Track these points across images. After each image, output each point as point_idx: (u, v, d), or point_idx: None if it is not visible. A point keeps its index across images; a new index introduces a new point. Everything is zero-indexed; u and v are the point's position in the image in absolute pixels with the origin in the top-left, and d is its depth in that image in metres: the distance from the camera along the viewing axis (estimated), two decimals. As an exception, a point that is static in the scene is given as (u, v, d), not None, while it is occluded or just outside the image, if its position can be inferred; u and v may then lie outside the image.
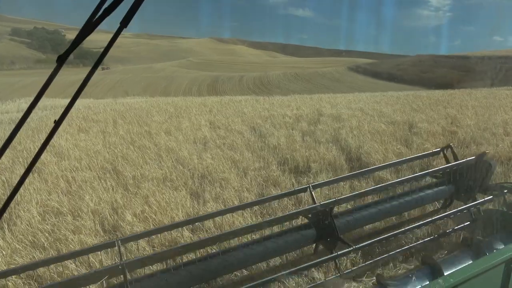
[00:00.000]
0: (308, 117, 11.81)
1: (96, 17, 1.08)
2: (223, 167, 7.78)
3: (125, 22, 1.09)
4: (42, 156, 7.97)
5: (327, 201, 3.94)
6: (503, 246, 3.84)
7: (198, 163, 8.01)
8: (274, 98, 17.44)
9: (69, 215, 5.84)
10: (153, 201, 6.23)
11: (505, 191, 4.55)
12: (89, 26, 1.10)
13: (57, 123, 1.14)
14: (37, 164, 7.31)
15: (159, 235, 4.43)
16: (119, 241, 3.33)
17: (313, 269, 3.95)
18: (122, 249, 3.30)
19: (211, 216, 4.26)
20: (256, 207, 5.55)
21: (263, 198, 4.53)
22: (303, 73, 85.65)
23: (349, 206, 4.74)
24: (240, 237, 4.00)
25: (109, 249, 3.90)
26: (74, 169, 7.78)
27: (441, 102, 14.21)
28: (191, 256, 3.99)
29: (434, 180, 4.93)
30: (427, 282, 3.35)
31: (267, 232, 3.93)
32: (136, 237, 3.78)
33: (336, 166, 7.81)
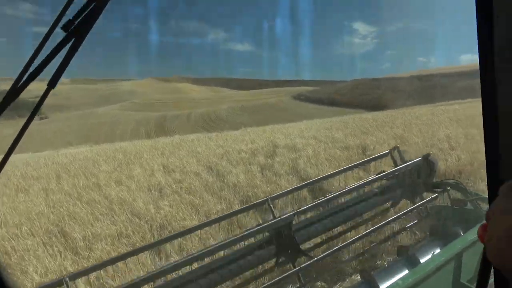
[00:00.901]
0: (264, 150, 11.69)
1: (21, 81, 1.04)
2: (183, 214, 7.30)
3: (53, 83, 1.08)
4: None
5: (286, 215, 3.94)
6: (452, 240, 4.00)
7: (155, 213, 7.44)
8: (226, 133, 17.24)
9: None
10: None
11: (448, 187, 4.83)
12: (15, 91, 1.06)
13: None
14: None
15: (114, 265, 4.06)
16: (67, 278, 3.16)
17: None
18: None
19: (168, 239, 4.31)
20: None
21: (220, 216, 4.50)
22: (249, 105, 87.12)
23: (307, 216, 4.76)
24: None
25: None
26: (14, 237, 6.86)
27: (386, 123, 14.87)
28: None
29: (383, 182, 5.11)
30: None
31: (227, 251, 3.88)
32: (85, 272, 3.56)
33: (300, 198, 7.63)
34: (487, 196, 3.19)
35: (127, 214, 7.51)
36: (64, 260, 5.89)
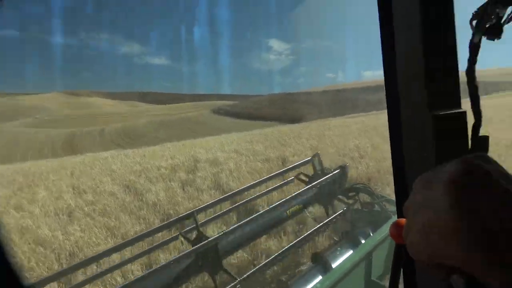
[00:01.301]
0: (185, 165, 11.36)
1: None
2: (96, 239, 6.70)
3: None
4: None
5: (214, 236, 3.92)
6: (363, 241, 4.27)
7: (64, 240, 6.72)
8: (144, 149, 16.45)
9: None
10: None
11: (359, 191, 5.13)
12: None
13: None
14: None
15: None
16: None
17: None
18: None
19: (87, 263, 4.07)
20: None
21: (145, 232, 4.36)
22: (168, 120, 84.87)
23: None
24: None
25: None
26: None
27: (303, 134, 15.56)
28: None
29: (304, 190, 5.25)
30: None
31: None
32: None
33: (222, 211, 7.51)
34: (393, 198, 3.62)
35: (29, 244, 6.67)
36: None
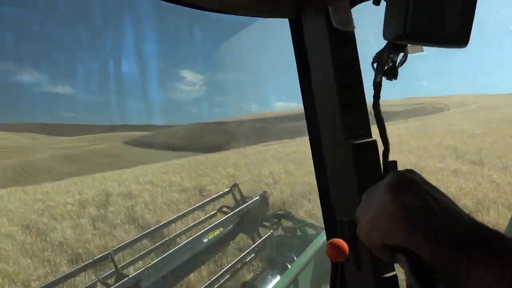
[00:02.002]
0: (95, 200, 10.70)
1: None
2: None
3: None
4: None
5: (133, 274, 3.80)
6: (289, 266, 4.40)
7: None
8: (47, 185, 15.06)
9: None
10: None
11: (280, 217, 5.33)
12: None
13: None
14: None
15: None
16: None
17: None
18: None
19: None
20: None
21: (55, 279, 3.93)
22: (74, 153, 78.45)
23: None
24: None
25: None
26: None
27: (219, 163, 15.80)
28: None
29: (226, 222, 5.29)
30: None
31: None
32: None
33: (140, 246, 7.25)
34: (311, 221, 4.99)
35: None
36: None
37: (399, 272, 0.85)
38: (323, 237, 4.39)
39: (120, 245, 4.43)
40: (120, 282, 3.62)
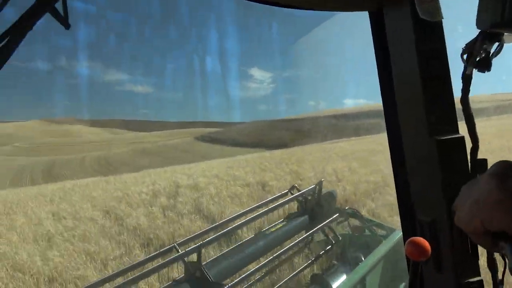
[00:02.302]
0: (166, 191, 11.51)
1: None
2: (76, 264, 6.74)
3: None
4: None
5: (192, 247, 3.75)
6: (356, 266, 4.21)
7: (43, 265, 6.73)
8: (125, 176, 16.49)
9: None
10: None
11: (348, 216, 5.03)
12: None
13: None
14: None
15: None
16: None
17: None
18: None
19: None
20: None
21: (125, 268, 3.96)
22: (151, 147, 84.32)
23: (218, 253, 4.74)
24: None
25: None
26: None
27: (283, 160, 15.96)
28: None
29: (290, 216, 5.12)
30: None
31: None
32: None
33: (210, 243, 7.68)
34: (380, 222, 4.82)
35: (7, 270, 6.65)
36: None
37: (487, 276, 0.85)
38: (393, 238, 4.30)
39: (186, 238, 4.39)
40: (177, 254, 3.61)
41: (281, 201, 5.30)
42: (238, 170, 13.81)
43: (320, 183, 5.20)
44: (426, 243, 0.75)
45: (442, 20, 0.92)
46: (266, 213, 4.82)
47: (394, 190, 1.15)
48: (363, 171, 12.02)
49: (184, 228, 8.11)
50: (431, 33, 0.95)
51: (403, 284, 4.13)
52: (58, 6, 0.90)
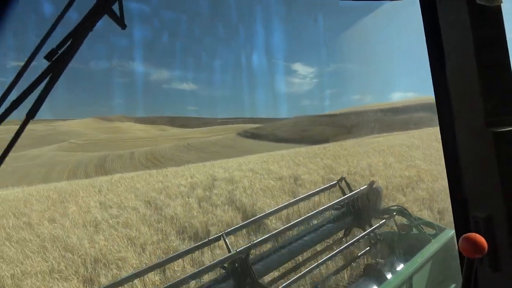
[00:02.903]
0: (203, 183, 12.10)
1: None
2: (118, 247, 7.42)
3: (31, 114, 1.04)
4: None
5: (241, 248, 3.85)
6: (402, 265, 4.19)
7: (89, 247, 7.48)
8: (167, 169, 17.41)
9: None
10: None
11: (394, 213, 4.98)
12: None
13: None
14: None
15: None
16: None
17: None
18: None
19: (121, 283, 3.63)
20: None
21: (174, 254, 4.16)
22: (195, 143, 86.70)
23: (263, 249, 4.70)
24: None
25: None
26: None
27: (318, 155, 16.07)
28: None
29: (335, 212, 5.10)
30: None
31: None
32: None
33: (233, 225, 8.08)
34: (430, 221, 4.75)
35: (60, 251, 7.46)
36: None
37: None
38: (443, 237, 4.20)
39: (230, 229, 4.44)
40: (228, 255, 3.72)
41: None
42: (273, 165, 14.13)
43: (372, 183, 5.12)
44: (482, 240, 0.73)
45: (501, 4, 0.89)
46: (314, 214, 4.68)
47: (427, 185, 1.23)
48: (398, 166, 11.87)
49: (217, 218, 8.58)
50: (489, 18, 0.90)
51: (453, 286, 4.06)
52: (115, 8, 0.97)
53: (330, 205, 4.89)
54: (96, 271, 6.51)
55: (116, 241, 7.73)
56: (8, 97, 1.01)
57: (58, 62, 1.03)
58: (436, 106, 1.08)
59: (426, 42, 1.06)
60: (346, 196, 4.98)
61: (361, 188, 5.06)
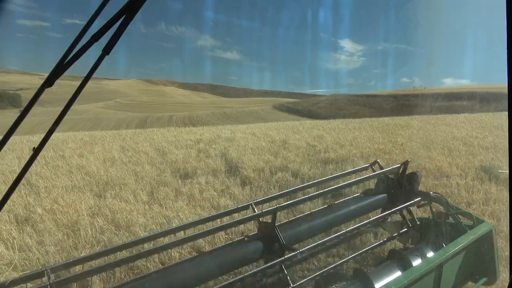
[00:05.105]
0: (207, 140, 14.15)
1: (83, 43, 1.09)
2: (124, 176, 9.60)
3: (107, 49, 1.11)
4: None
5: (268, 209, 3.94)
6: (432, 253, 4.08)
7: (104, 175, 9.73)
8: (184, 129, 19.67)
9: (-14, 213, 7.24)
10: (60, 200, 7.86)
11: (431, 200, 4.78)
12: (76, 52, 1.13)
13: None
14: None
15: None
16: (49, 268, 3.02)
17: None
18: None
19: (152, 238, 3.75)
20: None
21: (205, 217, 4.08)
22: (231, 112, 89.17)
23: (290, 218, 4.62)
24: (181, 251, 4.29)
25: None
26: None
27: (317, 126, 17.58)
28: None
29: (368, 192, 5.08)
30: None
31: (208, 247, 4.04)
32: (69, 264, 3.30)
33: (216, 171, 10.06)
34: (469, 211, 4.68)
35: (82, 175, 9.77)
36: (28, 198, 8.11)
37: None
38: (480, 230, 4.11)
39: (260, 199, 4.37)
40: (254, 214, 3.84)
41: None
42: (273, 131, 15.89)
43: (406, 163, 4.96)
44: None
45: None
46: (343, 186, 4.74)
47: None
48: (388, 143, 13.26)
49: (206, 165, 10.55)
50: None
51: (484, 279, 4.12)
52: None
53: (364, 192, 4.95)
54: (104, 189, 8.70)
55: (124, 172, 9.93)
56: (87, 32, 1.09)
57: (134, 2, 1.08)
58: (508, 96, 1.02)
59: (507, 24, 0.98)
60: (377, 172, 4.91)
61: (392, 167, 5.01)
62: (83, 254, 5.29)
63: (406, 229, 4.70)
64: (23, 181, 9.27)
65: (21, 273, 4.38)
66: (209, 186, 8.83)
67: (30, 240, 6.19)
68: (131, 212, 7.31)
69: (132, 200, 8.04)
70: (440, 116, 24.98)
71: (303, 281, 3.72)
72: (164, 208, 7.54)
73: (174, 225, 6.60)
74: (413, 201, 4.69)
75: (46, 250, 5.85)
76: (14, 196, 8.38)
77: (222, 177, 9.58)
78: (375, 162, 5.12)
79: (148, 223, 6.89)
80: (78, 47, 1.13)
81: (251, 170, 9.91)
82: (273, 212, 3.85)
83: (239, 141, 13.55)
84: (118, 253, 3.60)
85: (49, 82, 1.16)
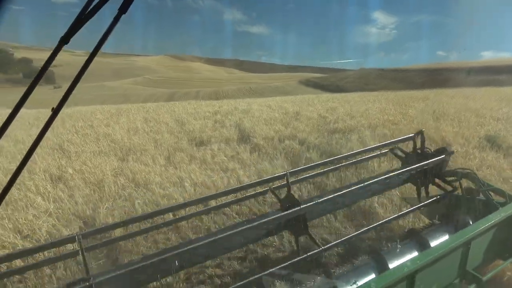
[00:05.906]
0: (224, 111, 14.89)
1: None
2: (145, 143, 10.52)
3: (124, 9, 1.11)
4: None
5: (283, 172, 4.06)
6: (459, 230, 3.92)
7: (127, 142, 10.69)
8: (205, 102, 20.48)
9: (26, 172, 8.34)
10: (88, 162, 8.87)
11: (461, 176, 4.65)
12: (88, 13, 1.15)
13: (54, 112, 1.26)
14: None
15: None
16: (80, 235, 3.15)
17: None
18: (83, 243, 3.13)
19: (179, 207, 3.85)
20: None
21: (238, 186, 4.14)
22: (256, 87, 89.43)
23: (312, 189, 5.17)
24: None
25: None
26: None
27: (333, 99, 17.90)
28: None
29: (400, 166, 5.01)
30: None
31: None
32: (99, 231, 3.48)
33: (229, 139, 10.80)
34: (501, 188, 4.39)
35: (108, 142, 10.78)
36: (60, 160, 9.18)
37: None
38: None
39: (295, 169, 4.38)
40: (270, 176, 4.03)
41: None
42: (289, 104, 16.39)
43: (420, 132, 4.85)
44: None
45: None
46: (360, 161, 4.86)
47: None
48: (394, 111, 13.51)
49: (220, 134, 11.30)
50: None
51: None
52: None
53: (395, 169, 4.68)
54: (127, 154, 9.65)
55: (145, 140, 10.86)
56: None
57: None
58: None
59: None
60: (389, 141, 4.92)
61: (403, 137, 4.98)
62: (111, 221, 5.67)
63: (435, 204, 4.60)
64: (56, 146, 10.29)
65: (53, 239, 4.52)
66: (221, 152, 9.58)
67: (62, 194, 7.19)
68: (149, 173, 8.20)
69: (151, 163, 8.93)
70: (470, 89, 24.47)
71: (331, 244, 3.79)
72: (178, 170, 8.38)
73: (186, 184, 7.58)
74: (444, 179, 4.65)
75: (75, 201, 6.83)
76: (48, 158, 9.51)
77: (234, 144, 10.30)
78: (420, 132, 4.95)
79: (163, 182, 7.76)
80: (94, 2, 1.16)
81: (261, 138, 10.58)
82: (285, 176, 4.01)
83: (254, 112, 14.19)
84: (149, 220, 3.79)
85: (66, 39, 1.17)
